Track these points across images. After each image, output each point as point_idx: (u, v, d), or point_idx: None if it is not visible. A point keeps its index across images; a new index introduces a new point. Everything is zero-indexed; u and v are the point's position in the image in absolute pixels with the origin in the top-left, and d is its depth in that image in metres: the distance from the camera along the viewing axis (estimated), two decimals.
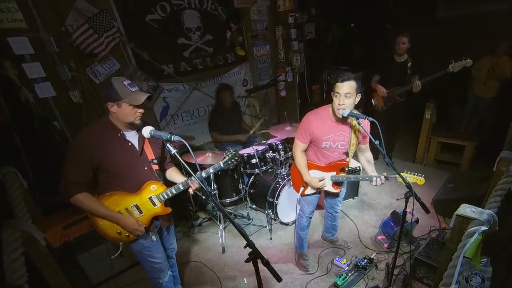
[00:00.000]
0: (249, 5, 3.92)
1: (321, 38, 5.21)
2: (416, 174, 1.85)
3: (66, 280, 1.62)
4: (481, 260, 1.69)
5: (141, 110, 1.54)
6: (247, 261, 1.25)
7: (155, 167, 1.68)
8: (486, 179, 2.02)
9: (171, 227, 1.98)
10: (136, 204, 1.63)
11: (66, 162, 1.47)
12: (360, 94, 1.86)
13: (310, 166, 2.14)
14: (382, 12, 5.37)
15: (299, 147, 2.10)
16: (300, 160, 2.10)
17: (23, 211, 1.54)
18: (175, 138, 1.34)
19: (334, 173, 2.14)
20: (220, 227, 2.93)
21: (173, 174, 1.90)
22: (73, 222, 2.34)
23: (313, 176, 2.12)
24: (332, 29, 5.44)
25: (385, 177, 1.92)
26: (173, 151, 1.34)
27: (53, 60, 2.57)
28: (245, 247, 1.24)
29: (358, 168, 3.25)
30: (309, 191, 2.21)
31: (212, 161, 2.87)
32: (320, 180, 2.12)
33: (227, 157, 1.81)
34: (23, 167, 2.41)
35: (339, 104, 1.80)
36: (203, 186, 1.34)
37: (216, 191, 3.03)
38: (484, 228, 1.26)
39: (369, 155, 2.17)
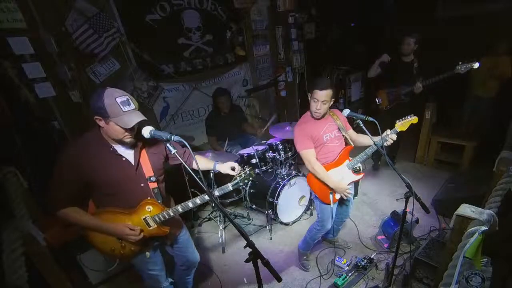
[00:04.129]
0: (249, 5, 3.92)
1: (321, 38, 5.21)
2: (405, 117, 1.99)
3: (66, 280, 1.62)
4: (481, 260, 1.69)
5: (132, 132, 1.40)
6: (247, 261, 1.25)
7: (153, 185, 1.55)
8: (486, 179, 2.01)
9: (180, 237, 1.84)
10: (129, 225, 1.52)
11: (52, 177, 1.38)
12: (333, 99, 2.02)
13: (326, 169, 2.12)
14: (382, 12, 5.37)
15: (311, 154, 2.06)
16: (319, 169, 2.07)
17: (23, 211, 1.54)
18: (175, 138, 1.33)
19: (347, 161, 2.18)
20: (220, 227, 2.93)
21: (200, 160, 1.83)
22: None
23: (335, 177, 2.12)
24: (332, 28, 5.44)
25: (391, 132, 1.98)
26: (173, 151, 1.34)
27: (53, 60, 2.57)
28: (245, 247, 1.24)
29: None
30: (338, 195, 2.18)
31: (212, 160, 2.87)
32: (343, 179, 2.15)
33: (238, 178, 1.60)
34: (23, 167, 2.41)
35: (317, 109, 2.01)
36: (204, 187, 1.32)
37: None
38: (484, 228, 1.26)
39: (357, 134, 2.23)
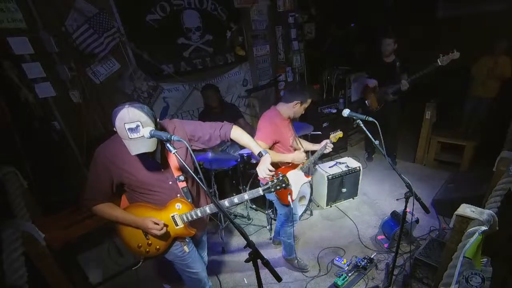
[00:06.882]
0: (249, 5, 3.92)
1: (321, 38, 5.21)
2: (336, 131, 2.27)
3: (66, 280, 1.62)
4: (481, 260, 1.69)
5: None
6: (247, 261, 1.25)
7: (182, 184, 1.58)
8: (486, 179, 2.02)
9: (202, 238, 1.90)
10: (153, 218, 1.54)
11: (88, 178, 1.48)
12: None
13: (285, 171, 2.16)
14: (382, 12, 5.37)
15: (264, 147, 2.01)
16: (273, 153, 2.02)
17: (23, 211, 1.54)
18: (174, 138, 1.32)
19: (300, 164, 2.25)
20: (220, 227, 2.93)
21: (238, 135, 1.67)
22: (73, 222, 2.34)
23: (293, 177, 2.14)
24: (332, 29, 5.45)
25: (326, 143, 2.23)
26: (173, 151, 1.33)
27: (53, 60, 2.57)
28: (245, 247, 1.24)
29: (358, 167, 3.26)
30: (294, 194, 2.21)
31: (211, 159, 2.88)
32: (298, 180, 2.21)
33: (270, 183, 1.47)
34: (23, 167, 2.41)
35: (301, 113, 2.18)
36: (204, 187, 1.32)
37: (216, 192, 3.03)
38: (484, 228, 1.26)
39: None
